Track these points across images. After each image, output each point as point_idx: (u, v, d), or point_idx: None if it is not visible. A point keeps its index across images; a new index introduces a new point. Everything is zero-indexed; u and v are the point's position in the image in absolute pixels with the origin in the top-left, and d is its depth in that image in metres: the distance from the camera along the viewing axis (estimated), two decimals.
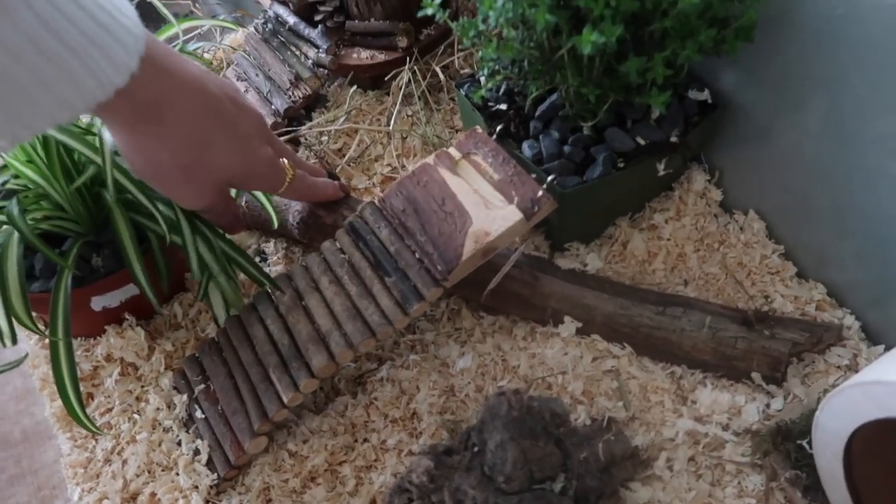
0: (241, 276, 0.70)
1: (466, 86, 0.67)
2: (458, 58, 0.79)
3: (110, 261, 0.61)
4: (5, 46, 0.34)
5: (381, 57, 0.81)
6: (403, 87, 0.79)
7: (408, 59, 0.80)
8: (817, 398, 0.55)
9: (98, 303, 0.62)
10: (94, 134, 0.56)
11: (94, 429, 0.57)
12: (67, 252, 0.57)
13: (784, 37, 0.55)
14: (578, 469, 0.51)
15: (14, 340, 0.52)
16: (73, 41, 0.37)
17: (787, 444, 0.53)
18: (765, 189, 0.65)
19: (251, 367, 0.58)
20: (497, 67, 0.61)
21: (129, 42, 0.40)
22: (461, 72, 0.81)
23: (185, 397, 0.62)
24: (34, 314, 0.56)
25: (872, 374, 0.42)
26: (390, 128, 0.78)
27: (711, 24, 0.52)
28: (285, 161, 0.58)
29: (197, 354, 0.62)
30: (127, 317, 0.66)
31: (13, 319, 0.52)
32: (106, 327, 0.65)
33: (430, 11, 0.57)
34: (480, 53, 0.57)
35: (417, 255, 0.58)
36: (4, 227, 0.58)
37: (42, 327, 0.61)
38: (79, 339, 0.67)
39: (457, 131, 0.80)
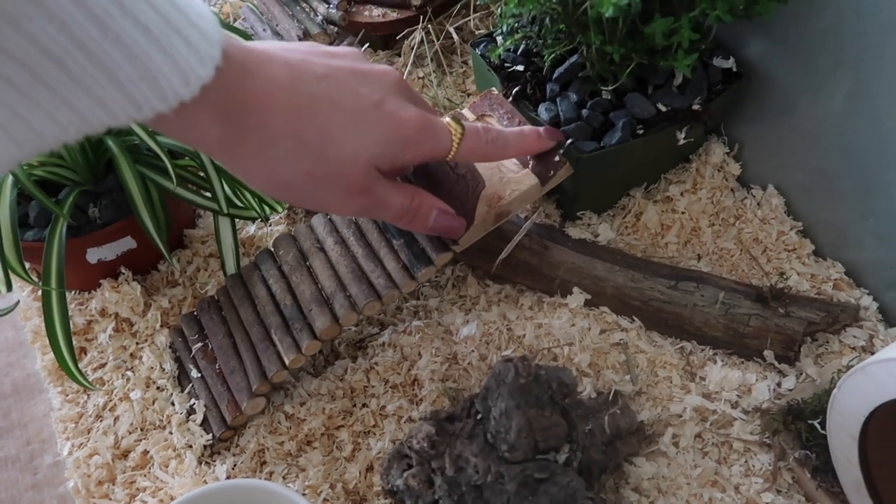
0: (241, 234, 0.68)
1: (482, 45, 0.65)
2: (474, 18, 0.77)
3: (108, 211, 0.59)
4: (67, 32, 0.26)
5: (393, 15, 0.79)
6: (416, 47, 0.76)
7: (421, 18, 0.77)
8: (830, 378, 0.53)
9: (94, 255, 0.61)
10: None
11: (85, 383, 0.55)
12: (63, 200, 0.55)
13: (816, 6, 0.53)
14: (583, 441, 0.49)
15: (9, 287, 0.50)
16: (148, 20, 0.28)
17: (797, 423, 0.52)
18: (786, 165, 0.63)
19: (252, 326, 0.57)
20: (516, 25, 0.58)
21: (206, 28, 0.32)
22: (476, 32, 0.78)
23: (180, 355, 0.60)
24: (27, 265, 0.54)
25: (894, 352, 0.40)
26: None
27: None
28: (448, 118, 0.47)
29: (195, 312, 0.61)
30: (123, 271, 0.64)
31: (6, 268, 0.50)
32: (101, 281, 0.64)
33: None
34: (500, 10, 0.55)
35: None
36: None
37: (35, 278, 0.59)
38: (73, 292, 0.65)
39: (469, 95, 0.77)
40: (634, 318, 0.59)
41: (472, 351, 0.59)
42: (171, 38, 0.29)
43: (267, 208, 0.65)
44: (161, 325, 0.63)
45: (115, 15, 0.27)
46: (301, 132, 0.39)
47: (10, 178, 0.51)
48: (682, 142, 0.59)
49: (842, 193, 0.58)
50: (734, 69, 0.60)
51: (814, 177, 0.60)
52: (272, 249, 0.60)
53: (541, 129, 0.53)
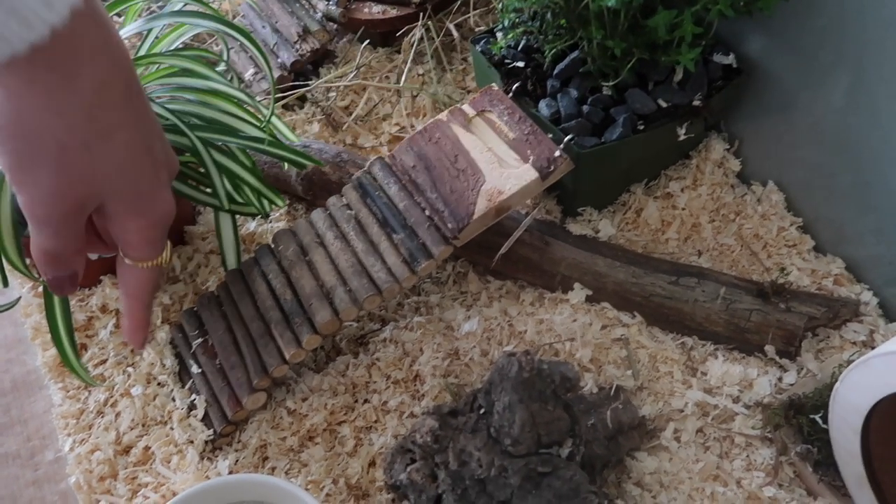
0: (242, 231, 0.68)
1: (482, 42, 0.65)
2: (474, 15, 0.77)
3: None
4: None
5: (393, 12, 0.79)
6: (415, 44, 0.76)
7: (421, 15, 0.77)
8: (831, 373, 0.53)
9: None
10: None
11: (87, 379, 0.55)
12: None
13: (819, 0, 0.53)
14: (586, 435, 0.49)
15: (5, 282, 0.50)
16: None
17: (799, 418, 0.52)
18: (786, 161, 0.63)
19: (252, 321, 0.57)
20: (518, 20, 0.58)
21: None
22: (476, 29, 0.78)
23: (181, 351, 0.60)
24: (27, 260, 0.53)
25: None
26: (400, 85, 0.76)
27: None
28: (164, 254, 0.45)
29: (195, 308, 0.61)
30: None
31: (5, 264, 0.50)
32: (102, 277, 0.63)
33: None
34: (501, 4, 0.55)
35: (427, 213, 0.56)
36: None
37: (36, 274, 0.59)
38: None
39: (468, 92, 0.78)
40: (636, 313, 0.59)
41: (474, 346, 0.59)
42: None
43: (267, 205, 0.65)
44: (162, 321, 0.62)
45: None
46: (98, 111, 0.36)
47: None
48: (682, 137, 0.59)
49: (841, 189, 0.58)
50: (734, 65, 0.60)
51: (814, 173, 0.61)
52: (272, 245, 0.60)
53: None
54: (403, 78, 0.76)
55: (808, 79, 0.57)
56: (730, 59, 0.59)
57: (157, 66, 0.58)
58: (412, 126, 0.75)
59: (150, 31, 0.58)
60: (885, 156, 0.53)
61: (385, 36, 0.82)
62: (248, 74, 0.80)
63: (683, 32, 0.48)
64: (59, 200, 0.37)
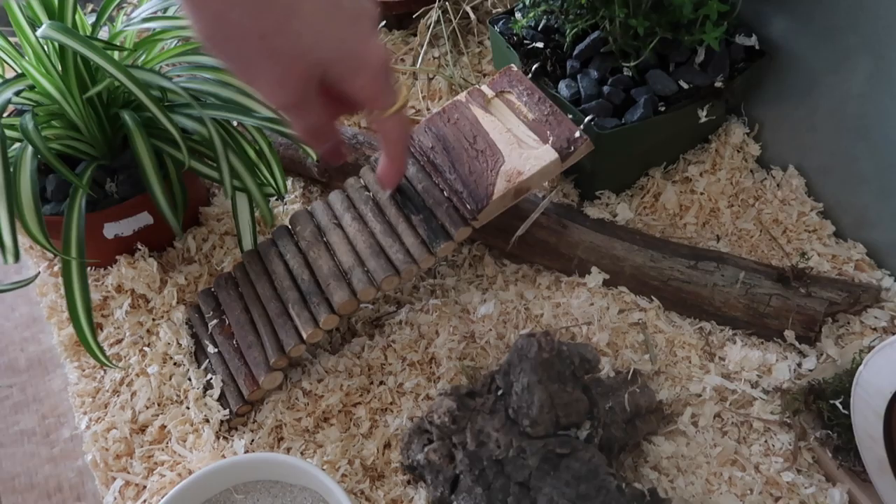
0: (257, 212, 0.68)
1: (501, 22, 0.64)
2: None
3: (125, 186, 0.59)
4: None
5: None
6: (432, 26, 0.76)
7: None
8: (851, 359, 0.53)
9: (111, 230, 0.60)
10: (118, 48, 0.54)
11: (103, 359, 0.55)
12: (81, 174, 0.55)
13: None
14: (604, 418, 0.49)
15: (17, 256, 0.49)
16: None
17: (819, 403, 0.52)
18: (805, 146, 0.62)
19: (269, 301, 0.57)
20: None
21: None
22: (494, 10, 0.77)
23: (197, 331, 0.60)
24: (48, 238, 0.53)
25: None
26: (416, 68, 0.75)
27: None
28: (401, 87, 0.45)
29: (212, 288, 0.61)
30: (139, 247, 0.64)
31: (26, 237, 0.50)
32: (117, 257, 0.63)
33: None
34: None
35: (446, 194, 0.56)
36: (16, 144, 0.56)
37: (54, 250, 0.59)
38: (89, 267, 0.65)
39: (485, 76, 0.77)
40: (653, 297, 0.59)
41: (490, 330, 0.59)
42: None
43: (282, 186, 0.65)
44: (177, 302, 0.62)
45: None
46: None
47: (30, 149, 0.51)
48: (703, 119, 0.58)
49: (862, 174, 0.58)
50: (757, 47, 0.59)
51: (834, 158, 0.60)
52: (289, 226, 0.60)
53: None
54: (420, 60, 0.76)
55: (830, 62, 0.56)
56: (752, 41, 0.59)
57: (176, 41, 0.58)
58: (428, 109, 0.75)
59: (167, 7, 0.57)
60: None
61: (401, 18, 0.81)
62: None
63: (709, 10, 0.48)
64: (287, 83, 0.39)
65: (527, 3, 0.58)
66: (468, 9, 0.76)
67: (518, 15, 0.61)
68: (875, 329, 0.56)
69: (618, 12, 0.51)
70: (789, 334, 0.55)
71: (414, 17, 0.78)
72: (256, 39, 0.37)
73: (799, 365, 0.55)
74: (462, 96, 0.60)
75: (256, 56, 0.37)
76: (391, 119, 0.45)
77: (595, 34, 0.57)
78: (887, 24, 0.50)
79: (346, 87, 0.41)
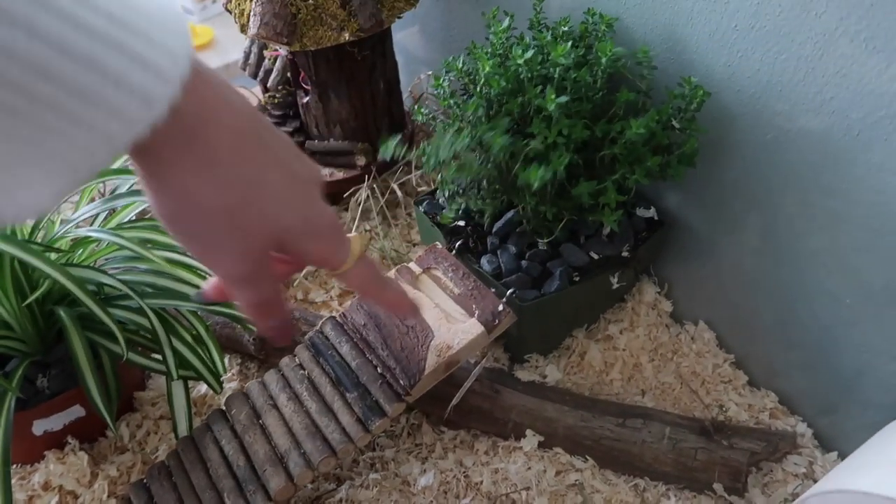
0: (193, 394, 0.68)
1: (425, 203, 0.69)
2: (416, 175, 0.82)
3: (57, 381, 0.59)
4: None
5: (339, 174, 0.84)
6: (362, 203, 0.81)
7: (366, 176, 0.82)
8: None
9: (40, 426, 0.59)
10: (56, 250, 0.56)
11: None
12: (12, 373, 0.55)
13: (722, 161, 0.59)
14: None
15: None
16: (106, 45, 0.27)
17: None
18: (712, 301, 0.67)
19: (204, 491, 0.56)
20: (457, 189, 0.63)
21: (175, 44, 0.31)
22: (418, 189, 0.83)
23: None
24: None
25: (830, 484, 0.43)
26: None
27: (656, 151, 0.56)
28: (352, 235, 0.46)
29: (145, 480, 0.59)
30: (69, 440, 0.62)
31: None
32: (46, 452, 0.62)
33: (389, 154, 0.57)
34: (441, 177, 0.60)
35: (379, 370, 0.58)
36: None
37: None
38: (14, 465, 0.63)
39: (414, 245, 0.82)
40: (587, 457, 0.60)
41: (431, 501, 0.59)
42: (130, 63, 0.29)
43: (220, 367, 0.65)
44: (108, 496, 0.60)
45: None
46: (242, 162, 0.36)
47: None
48: (615, 286, 0.63)
49: (765, 327, 0.63)
50: (656, 217, 0.65)
51: (738, 311, 0.65)
52: (224, 409, 0.60)
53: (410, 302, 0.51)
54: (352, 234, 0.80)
55: (722, 226, 0.63)
56: (651, 213, 0.65)
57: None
58: None
59: (114, 210, 0.60)
60: (797, 293, 0.58)
61: (333, 197, 0.86)
62: None
63: (608, 200, 0.53)
64: (248, 259, 0.39)
65: (446, 194, 0.64)
66: (395, 186, 0.82)
67: (441, 200, 0.66)
68: (796, 475, 0.58)
69: (528, 201, 0.56)
70: (718, 487, 0.57)
71: (345, 195, 0.84)
72: (222, 215, 0.37)
73: None
74: (391, 273, 0.63)
75: (221, 232, 0.37)
76: (352, 272, 0.45)
77: (511, 213, 0.63)
78: (771, 187, 0.55)
79: (300, 253, 0.42)
